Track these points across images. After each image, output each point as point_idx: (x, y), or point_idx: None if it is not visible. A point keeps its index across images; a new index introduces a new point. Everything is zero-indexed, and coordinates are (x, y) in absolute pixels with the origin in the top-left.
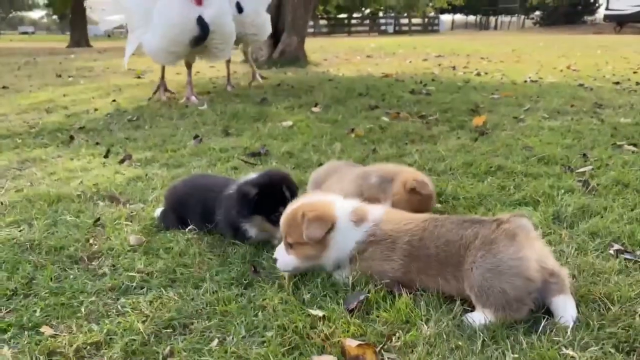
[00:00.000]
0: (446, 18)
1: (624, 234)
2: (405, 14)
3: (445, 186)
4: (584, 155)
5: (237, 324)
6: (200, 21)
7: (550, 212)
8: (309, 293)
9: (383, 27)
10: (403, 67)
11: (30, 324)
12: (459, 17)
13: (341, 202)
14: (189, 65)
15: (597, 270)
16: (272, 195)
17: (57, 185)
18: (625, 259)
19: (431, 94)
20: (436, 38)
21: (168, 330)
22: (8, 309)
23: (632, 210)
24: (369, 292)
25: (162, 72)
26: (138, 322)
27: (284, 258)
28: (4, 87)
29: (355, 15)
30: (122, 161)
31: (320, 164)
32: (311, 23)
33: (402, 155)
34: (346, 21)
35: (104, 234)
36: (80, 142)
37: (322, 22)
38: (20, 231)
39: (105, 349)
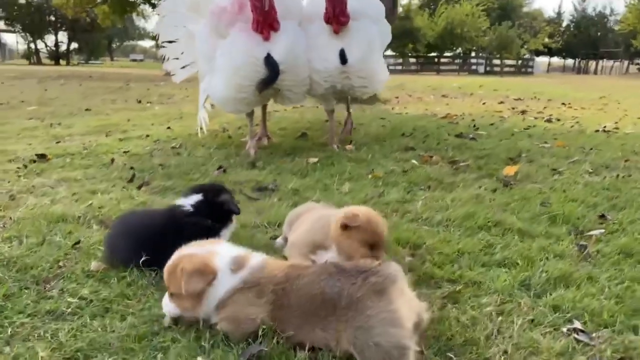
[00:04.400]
0: (542, 60)
1: (591, 311)
2: (498, 55)
3: (429, 239)
4: (602, 216)
5: None
6: (269, 60)
7: (520, 278)
8: (212, 340)
9: (474, 67)
10: (473, 108)
11: None
12: (555, 59)
13: (223, 252)
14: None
15: (537, 349)
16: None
17: (67, 205)
18: (575, 338)
19: (477, 138)
20: (526, 80)
21: None
22: None
23: (618, 284)
24: (267, 347)
25: (262, 116)
26: (46, 349)
27: (168, 305)
28: (86, 110)
29: (446, 54)
30: (140, 187)
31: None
32: (400, 61)
33: (406, 201)
34: (436, 60)
35: (77, 257)
36: (118, 165)
37: (412, 60)
38: (9, 247)
39: None
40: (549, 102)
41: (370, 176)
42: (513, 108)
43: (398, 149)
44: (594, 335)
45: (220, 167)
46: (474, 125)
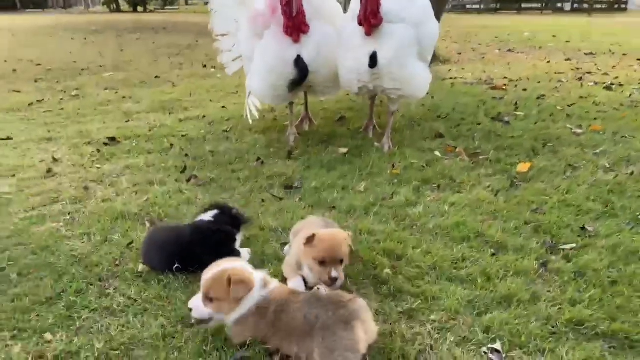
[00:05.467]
0: None
1: (515, 332)
2: None
3: (412, 250)
4: (583, 228)
5: (153, 359)
6: (298, 62)
7: (471, 296)
8: (212, 344)
9: (559, 5)
10: (534, 69)
11: (40, 330)
12: None
13: (251, 269)
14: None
15: None
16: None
17: (128, 199)
18: (489, 358)
19: (512, 122)
20: (613, 21)
21: (115, 352)
22: (38, 314)
23: (552, 306)
24: (250, 353)
25: (304, 100)
26: (101, 342)
27: (201, 309)
28: (156, 77)
29: None
30: (188, 180)
31: (334, 207)
32: None
33: (411, 204)
34: None
35: (129, 257)
36: (175, 152)
37: None
38: (82, 243)
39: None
40: (622, 58)
41: (388, 172)
42: (578, 68)
43: (428, 137)
44: (504, 355)
45: (259, 159)
46: (516, 103)
